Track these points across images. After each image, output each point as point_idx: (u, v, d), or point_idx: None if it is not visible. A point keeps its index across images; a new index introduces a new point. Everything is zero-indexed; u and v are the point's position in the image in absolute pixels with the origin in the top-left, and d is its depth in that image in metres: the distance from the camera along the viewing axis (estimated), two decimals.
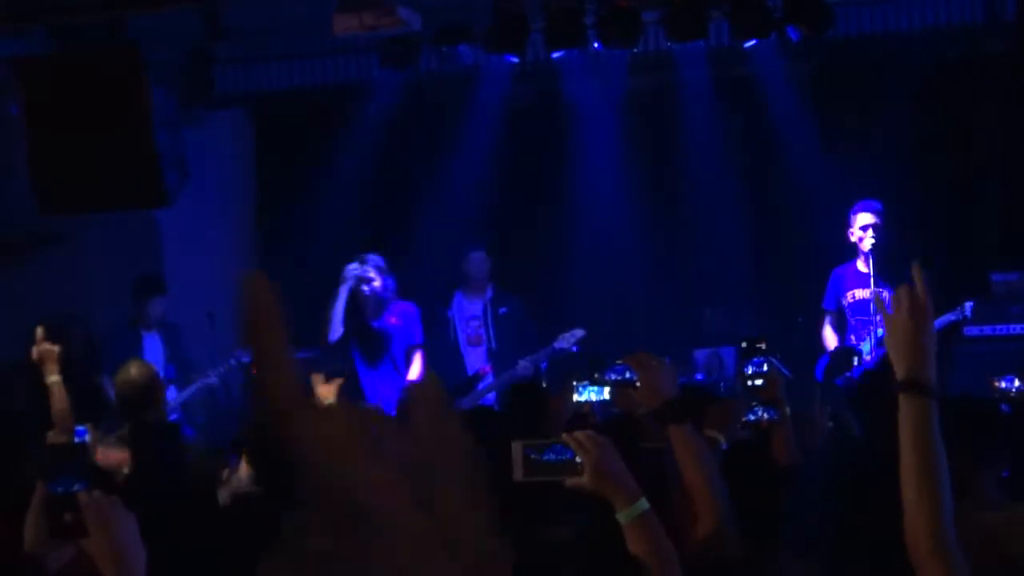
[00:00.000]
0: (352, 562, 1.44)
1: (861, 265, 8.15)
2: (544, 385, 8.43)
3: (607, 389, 5.06)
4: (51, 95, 8.21)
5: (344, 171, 10.18)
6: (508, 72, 9.62)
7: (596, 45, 8.55)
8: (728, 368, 8.97)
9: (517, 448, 2.88)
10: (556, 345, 8.48)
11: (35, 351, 5.72)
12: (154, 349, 8.91)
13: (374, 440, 1.51)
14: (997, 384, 5.50)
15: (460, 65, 9.14)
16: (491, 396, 8.57)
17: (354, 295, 8.34)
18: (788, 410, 4.40)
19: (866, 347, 8.08)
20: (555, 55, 8.63)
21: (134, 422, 5.27)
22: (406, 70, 9.04)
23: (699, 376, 9.04)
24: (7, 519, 3.59)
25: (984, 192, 9.71)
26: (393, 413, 7.51)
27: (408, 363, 8.44)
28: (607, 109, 10.05)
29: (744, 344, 4.46)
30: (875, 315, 8.01)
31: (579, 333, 8.47)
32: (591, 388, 5.41)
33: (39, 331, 5.74)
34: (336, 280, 8.64)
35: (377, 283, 8.36)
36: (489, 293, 9.16)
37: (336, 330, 8.32)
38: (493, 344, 8.83)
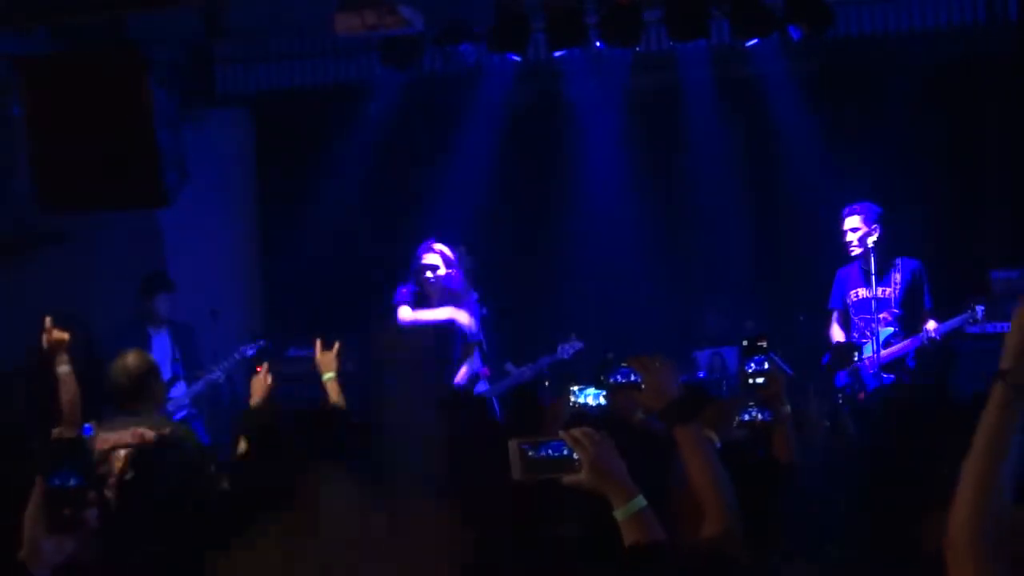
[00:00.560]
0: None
1: (863, 265, 8.16)
2: (547, 384, 8.47)
3: (603, 394, 5.07)
4: (52, 94, 8.21)
5: (345, 171, 10.19)
6: (510, 71, 9.63)
7: (598, 44, 8.56)
8: (730, 367, 8.98)
9: (514, 446, 2.88)
10: (556, 356, 8.57)
11: (45, 339, 5.72)
12: (162, 347, 8.95)
13: None
14: None
15: (462, 65, 9.15)
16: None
17: (420, 283, 8.37)
18: (789, 408, 4.40)
19: (868, 348, 8.08)
20: (557, 54, 8.63)
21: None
22: (408, 70, 9.04)
23: (701, 375, 9.06)
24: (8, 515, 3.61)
25: (984, 192, 9.71)
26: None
27: (463, 359, 8.48)
28: (608, 108, 10.05)
29: (745, 342, 4.45)
30: (877, 314, 8.03)
31: (578, 345, 8.55)
32: (588, 392, 5.41)
33: (48, 320, 5.75)
34: (335, 281, 8.68)
35: (441, 271, 8.37)
36: (475, 295, 9.14)
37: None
38: (485, 347, 8.85)
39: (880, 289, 8.10)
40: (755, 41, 8.45)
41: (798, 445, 4.37)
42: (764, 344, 4.41)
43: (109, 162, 8.16)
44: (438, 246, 8.46)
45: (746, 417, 4.32)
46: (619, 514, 2.87)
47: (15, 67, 8.37)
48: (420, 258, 8.42)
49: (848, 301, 8.34)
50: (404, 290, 8.48)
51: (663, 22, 8.49)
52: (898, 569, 2.66)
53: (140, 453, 4.59)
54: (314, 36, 9.53)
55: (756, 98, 9.78)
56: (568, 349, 8.53)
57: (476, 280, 8.91)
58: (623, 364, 3.43)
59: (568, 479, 2.89)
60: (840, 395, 7.95)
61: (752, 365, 4.36)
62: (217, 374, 8.66)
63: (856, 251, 8.12)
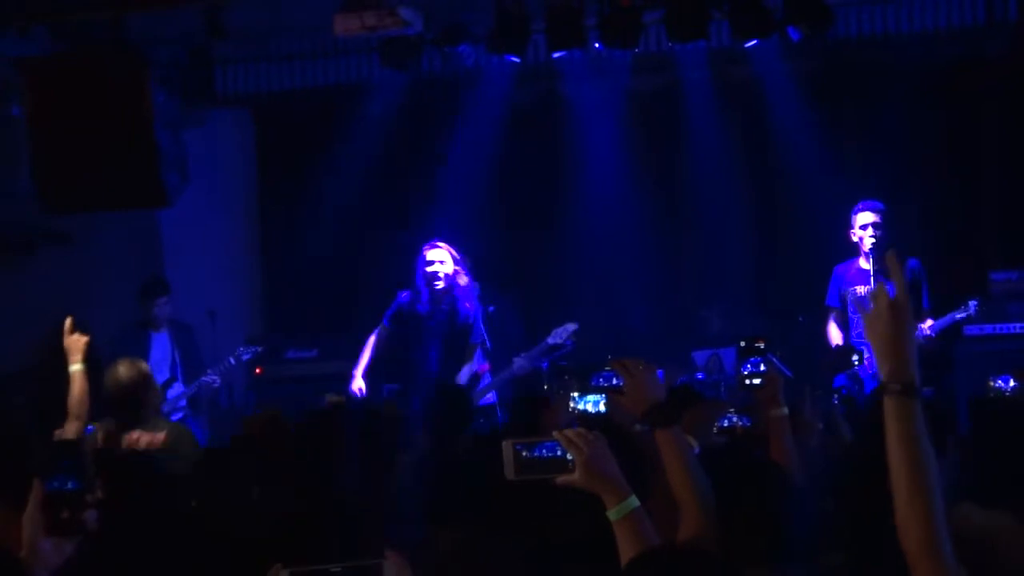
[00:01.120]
0: None
1: (863, 262, 8.16)
2: (546, 387, 8.46)
3: (603, 400, 5.07)
4: (53, 95, 8.22)
5: (344, 171, 10.20)
6: (509, 73, 9.63)
7: (597, 46, 8.55)
8: (728, 368, 8.98)
9: (508, 446, 2.90)
10: (550, 340, 8.43)
11: (65, 342, 5.76)
12: (162, 348, 8.97)
13: None
14: (992, 383, 5.51)
15: (461, 66, 9.15)
16: (490, 396, 8.59)
17: (428, 281, 8.27)
18: (786, 410, 4.40)
19: (866, 348, 8.10)
20: (556, 56, 8.63)
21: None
22: (407, 71, 9.04)
23: (699, 376, 9.06)
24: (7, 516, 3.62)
25: (984, 192, 9.72)
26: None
27: (467, 358, 8.39)
28: (608, 110, 10.06)
29: (742, 344, 4.46)
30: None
31: (571, 327, 8.39)
32: (588, 399, 5.43)
33: (68, 322, 5.79)
34: (335, 281, 8.68)
35: (448, 268, 8.28)
36: (476, 292, 9.13)
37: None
38: (488, 343, 8.85)
39: (871, 288, 8.09)
40: (754, 42, 8.46)
41: (796, 447, 4.37)
42: (761, 346, 4.42)
43: (109, 162, 8.17)
44: (442, 244, 8.40)
45: (725, 423, 4.32)
46: (612, 514, 2.88)
47: (16, 68, 8.39)
48: (424, 255, 8.32)
49: (846, 299, 8.33)
50: (404, 295, 8.42)
51: (662, 23, 8.49)
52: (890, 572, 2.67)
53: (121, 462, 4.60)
54: (314, 37, 9.53)
55: (755, 99, 9.80)
56: (562, 333, 8.40)
57: (479, 279, 8.87)
58: (606, 367, 3.44)
59: (562, 479, 2.91)
60: (837, 396, 7.95)
61: (748, 367, 4.37)
62: (213, 377, 8.67)
63: (868, 246, 8.05)
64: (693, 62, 9.66)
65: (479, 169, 10.01)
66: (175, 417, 8.40)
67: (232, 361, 8.72)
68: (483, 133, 10.01)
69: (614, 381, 3.38)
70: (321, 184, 10.24)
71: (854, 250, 8.25)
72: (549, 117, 10.24)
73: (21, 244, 9.66)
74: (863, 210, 8.15)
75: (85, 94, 8.16)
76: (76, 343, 5.74)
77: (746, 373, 4.40)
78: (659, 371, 3.36)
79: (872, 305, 2.42)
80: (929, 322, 8.03)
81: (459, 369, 8.30)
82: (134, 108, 8.15)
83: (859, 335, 8.21)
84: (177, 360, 8.96)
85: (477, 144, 10.02)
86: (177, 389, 8.78)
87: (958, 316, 8.04)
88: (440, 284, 8.25)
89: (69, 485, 3.14)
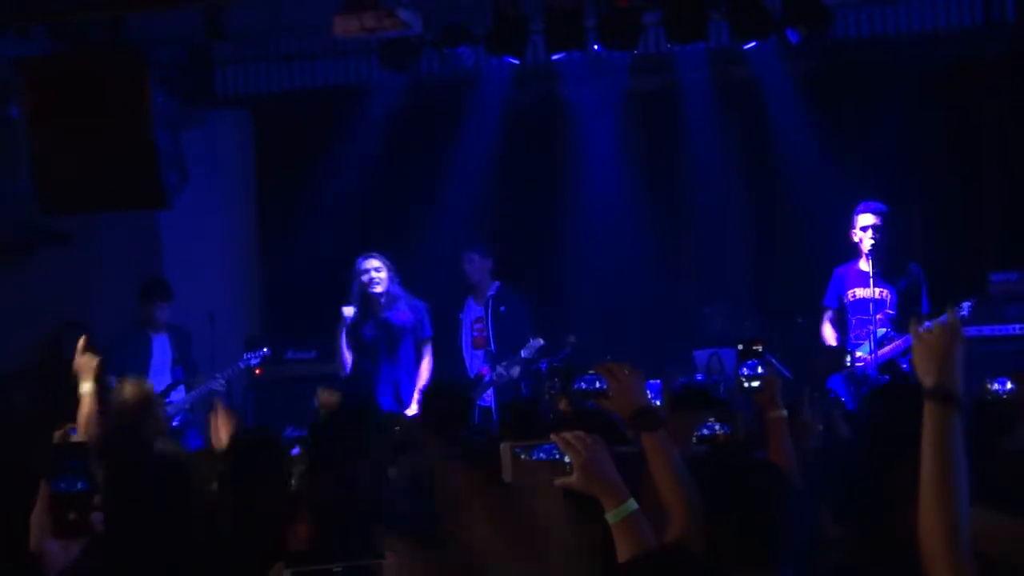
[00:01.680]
0: None
1: (863, 264, 8.15)
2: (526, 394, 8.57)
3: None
4: (53, 95, 8.23)
5: (344, 172, 10.20)
6: (508, 74, 9.65)
7: (596, 47, 8.57)
8: (728, 369, 8.98)
9: (506, 448, 2.90)
10: (523, 354, 8.75)
11: (76, 361, 5.76)
12: (162, 350, 8.98)
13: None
14: (989, 386, 5.50)
15: (460, 67, 9.17)
16: (487, 397, 8.69)
17: (364, 289, 8.47)
18: (784, 412, 4.40)
19: (864, 348, 8.08)
20: (555, 57, 8.65)
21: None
22: (406, 72, 9.05)
23: (699, 377, 9.06)
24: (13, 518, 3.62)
25: (984, 192, 9.72)
26: (406, 402, 7.47)
27: (419, 357, 8.61)
28: (607, 111, 10.06)
29: (741, 346, 4.45)
30: (874, 315, 8.02)
31: (538, 343, 8.73)
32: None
33: (81, 341, 5.79)
34: (335, 279, 8.69)
35: (384, 275, 8.51)
36: (491, 292, 9.19)
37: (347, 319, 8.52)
38: (492, 347, 8.89)
39: (878, 290, 8.08)
40: (753, 43, 8.47)
41: (796, 448, 4.37)
42: (760, 348, 4.42)
43: (109, 163, 8.18)
44: (374, 256, 8.61)
45: (705, 431, 4.31)
46: (611, 517, 2.89)
47: (16, 68, 8.39)
48: (360, 266, 8.57)
49: (845, 301, 8.32)
50: (350, 310, 8.56)
51: (661, 24, 8.50)
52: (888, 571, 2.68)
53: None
54: (314, 38, 9.53)
55: (755, 100, 9.80)
56: (532, 347, 8.73)
57: (497, 278, 9.19)
58: (590, 371, 3.45)
59: (559, 482, 2.91)
60: (834, 396, 7.95)
61: (746, 369, 4.36)
62: (219, 381, 8.66)
63: (867, 247, 8.05)
64: (692, 63, 9.66)
65: (478, 170, 10.01)
66: (176, 421, 8.38)
67: (241, 366, 8.76)
68: (482, 134, 10.01)
69: (597, 385, 3.39)
70: (320, 185, 10.24)
71: (854, 251, 8.26)
72: (548, 118, 10.24)
73: (21, 244, 9.67)
74: (863, 211, 8.14)
75: (85, 94, 8.17)
76: (88, 364, 5.74)
77: (745, 376, 4.40)
78: (656, 382, 3.37)
79: (931, 323, 2.71)
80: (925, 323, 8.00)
81: (417, 371, 8.54)
82: (134, 108, 8.16)
83: (857, 336, 8.21)
84: (178, 362, 8.96)
85: (476, 145, 10.02)
86: (180, 393, 8.77)
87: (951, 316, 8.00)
88: (379, 288, 8.52)
89: (77, 486, 3.14)
